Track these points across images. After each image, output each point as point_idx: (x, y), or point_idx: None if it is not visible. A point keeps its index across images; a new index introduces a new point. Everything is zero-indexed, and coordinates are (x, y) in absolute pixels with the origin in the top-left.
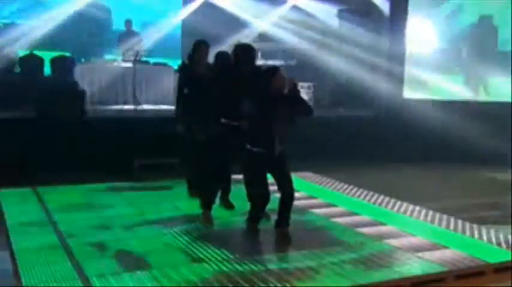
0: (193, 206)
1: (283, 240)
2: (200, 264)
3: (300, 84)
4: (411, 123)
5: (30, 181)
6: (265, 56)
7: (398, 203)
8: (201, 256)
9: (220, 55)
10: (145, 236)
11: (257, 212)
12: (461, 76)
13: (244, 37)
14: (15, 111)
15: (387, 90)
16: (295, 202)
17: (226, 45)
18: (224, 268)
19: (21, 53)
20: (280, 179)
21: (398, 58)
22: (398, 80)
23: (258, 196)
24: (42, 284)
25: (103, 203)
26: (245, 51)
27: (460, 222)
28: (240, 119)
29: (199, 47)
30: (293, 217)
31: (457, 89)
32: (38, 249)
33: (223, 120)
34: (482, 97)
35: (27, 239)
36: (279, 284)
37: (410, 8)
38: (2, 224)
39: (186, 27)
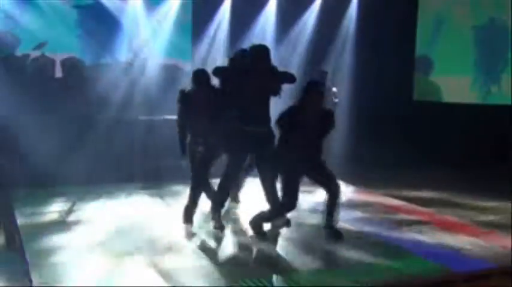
0: None
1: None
2: None
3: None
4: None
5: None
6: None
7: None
8: None
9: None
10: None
11: (273, 216)
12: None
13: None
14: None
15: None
16: None
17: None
18: None
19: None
20: (321, 181)
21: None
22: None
23: (288, 199)
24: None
25: None
26: (260, 52)
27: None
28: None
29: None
30: None
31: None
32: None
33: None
34: (494, 99)
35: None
36: None
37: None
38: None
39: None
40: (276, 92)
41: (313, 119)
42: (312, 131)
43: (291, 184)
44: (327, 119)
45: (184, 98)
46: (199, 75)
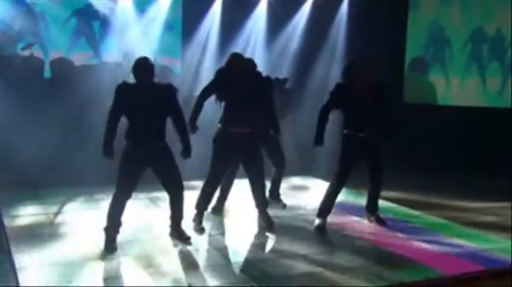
0: None
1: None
2: None
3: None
4: (411, 129)
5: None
6: None
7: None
8: None
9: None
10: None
11: (327, 207)
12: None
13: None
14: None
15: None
16: None
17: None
18: None
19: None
20: (371, 165)
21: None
22: (398, 83)
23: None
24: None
25: None
26: (237, 54)
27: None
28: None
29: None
30: None
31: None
32: None
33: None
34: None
35: None
36: None
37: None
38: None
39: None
40: (262, 95)
41: (363, 93)
42: (365, 105)
43: (345, 162)
44: (376, 91)
45: (124, 91)
46: (143, 66)
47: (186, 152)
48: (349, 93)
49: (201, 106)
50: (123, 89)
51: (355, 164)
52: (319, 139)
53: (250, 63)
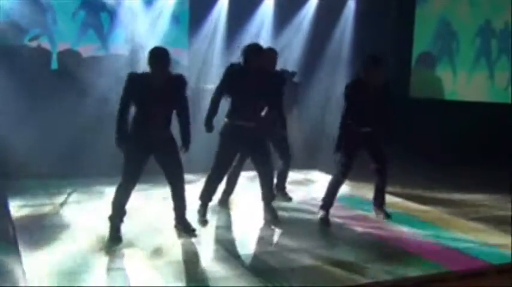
0: None
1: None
2: None
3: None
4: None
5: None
6: None
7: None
8: None
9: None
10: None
11: (330, 199)
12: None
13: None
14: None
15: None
16: None
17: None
18: None
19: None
20: (376, 159)
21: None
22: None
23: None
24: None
25: None
26: (254, 51)
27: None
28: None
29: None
30: None
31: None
32: None
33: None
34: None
35: None
36: None
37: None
38: None
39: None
40: (273, 91)
41: (373, 93)
42: (373, 100)
43: (346, 156)
44: (384, 93)
45: (136, 80)
46: (162, 56)
47: (185, 146)
48: (361, 89)
49: (217, 106)
50: (134, 78)
51: (358, 157)
52: (340, 148)
53: (270, 56)
